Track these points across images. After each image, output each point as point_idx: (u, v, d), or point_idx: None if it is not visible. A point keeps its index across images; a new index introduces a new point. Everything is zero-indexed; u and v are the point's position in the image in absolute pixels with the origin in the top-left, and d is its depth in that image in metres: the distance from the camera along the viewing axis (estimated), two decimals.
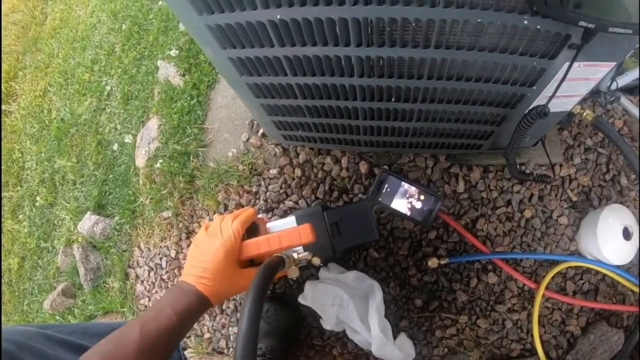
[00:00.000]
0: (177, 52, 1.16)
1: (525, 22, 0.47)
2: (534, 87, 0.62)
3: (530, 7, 0.43)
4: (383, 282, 0.90)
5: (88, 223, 1.34)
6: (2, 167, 1.91)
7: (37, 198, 1.64)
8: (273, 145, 0.94)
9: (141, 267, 1.19)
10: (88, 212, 1.36)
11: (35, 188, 1.68)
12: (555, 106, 0.71)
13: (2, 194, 1.87)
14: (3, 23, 2.18)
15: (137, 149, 1.18)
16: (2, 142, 1.94)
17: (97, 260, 1.39)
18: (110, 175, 1.32)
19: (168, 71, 1.16)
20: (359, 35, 0.52)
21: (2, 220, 1.79)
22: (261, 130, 0.96)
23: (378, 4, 0.45)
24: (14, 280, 1.70)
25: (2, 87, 2.01)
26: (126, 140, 1.24)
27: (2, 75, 2.03)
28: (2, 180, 1.89)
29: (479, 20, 0.47)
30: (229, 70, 0.65)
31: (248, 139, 0.98)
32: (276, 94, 0.71)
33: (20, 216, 1.73)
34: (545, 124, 0.80)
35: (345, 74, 0.62)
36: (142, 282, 1.19)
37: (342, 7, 0.46)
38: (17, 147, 1.85)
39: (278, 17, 0.49)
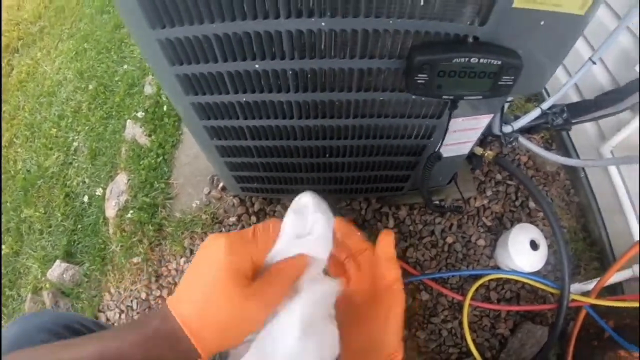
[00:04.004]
0: (143, 114, 1.31)
1: (413, 97, 0.68)
2: (431, 139, 0.83)
3: (407, 90, 0.63)
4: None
5: (57, 270, 1.42)
6: None
7: (2, 247, 1.69)
8: (231, 197, 1.11)
9: (112, 310, 1.29)
10: (57, 260, 1.45)
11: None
12: (451, 151, 0.92)
13: None
14: None
15: (107, 201, 1.31)
16: None
17: (66, 306, 1.46)
18: (79, 225, 1.43)
19: (135, 131, 1.31)
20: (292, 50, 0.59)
21: None
22: (221, 184, 1.13)
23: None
24: None
25: None
26: (97, 193, 1.37)
27: None
28: None
29: (382, 99, 0.69)
30: (175, 88, 0.68)
31: (209, 192, 1.14)
32: (220, 116, 0.76)
33: None
34: (449, 166, 1.02)
35: (285, 115, 0.74)
36: (113, 324, 1.29)
37: (278, 20, 0.52)
38: None
39: (222, 31, 0.54)
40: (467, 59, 0.55)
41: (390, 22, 0.52)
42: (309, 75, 0.64)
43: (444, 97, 0.63)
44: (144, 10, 0.52)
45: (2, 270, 1.68)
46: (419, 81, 0.59)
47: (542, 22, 0.53)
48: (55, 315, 0.63)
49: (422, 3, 0.50)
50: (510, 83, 0.60)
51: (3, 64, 2.17)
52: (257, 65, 0.61)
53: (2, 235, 1.72)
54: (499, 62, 0.56)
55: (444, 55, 0.55)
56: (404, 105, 0.72)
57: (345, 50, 0.58)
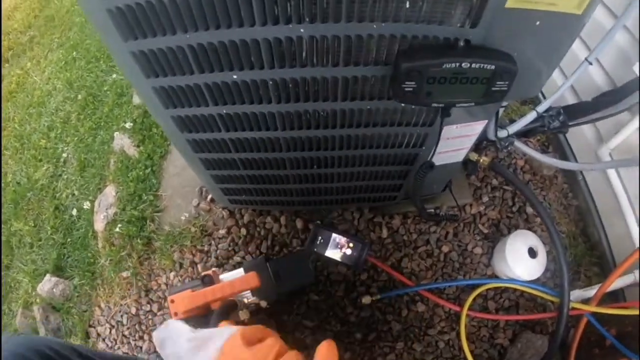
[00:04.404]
0: (131, 124, 1.30)
1: (402, 105, 0.65)
2: (423, 147, 0.81)
3: (395, 99, 0.60)
4: (325, 320, 1.04)
5: (48, 285, 1.41)
6: None
7: None
8: (221, 209, 1.09)
9: (102, 325, 1.27)
10: (47, 274, 1.43)
11: None
12: (445, 159, 0.90)
13: None
14: None
15: (96, 214, 1.29)
16: None
17: (57, 321, 1.45)
18: (69, 239, 1.41)
19: (123, 142, 1.30)
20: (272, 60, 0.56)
21: None
22: (210, 196, 1.11)
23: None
24: None
25: None
26: (84, 206, 1.35)
27: None
28: None
29: (369, 107, 0.66)
30: (153, 102, 0.67)
31: (198, 204, 1.12)
32: (201, 129, 0.75)
33: None
34: (443, 174, 1.00)
35: (269, 126, 0.72)
36: (104, 339, 1.27)
37: (254, 28, 0.50)
38: None
39: (196, 41, 0.52)
40: (458, 64, 0.52)
41: (374, 26, 0.50)
42: (290, 85, 0.61)
43: (434, 104, 0.60)
44: (115, 23, 0.50)
45: None
46: (406, 89, 0.56)
47: (537, 23, 0.51)
48: (28, 339, 0.64)
49: (407, 5, 0.48)
50: (505, 88, 0.57)
51: None
52: (235, 76, 0.59)
53: None
54: (493, 67, 0.53)
55: (433, 61, 0.52)
56: (394, 114, 0.69)
57: (328, 57, 0.55)
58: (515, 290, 1.11)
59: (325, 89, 0.62)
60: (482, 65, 0.52)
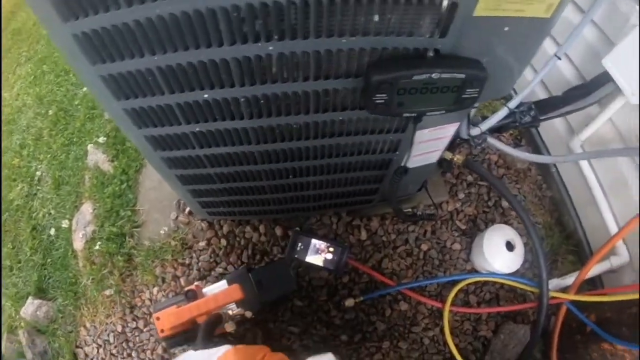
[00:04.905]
0: (104, 138, 1.30)
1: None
2: (397, 152, 0.84)
3: (366, 110, 0.62)
4: (310, 325, 1.07)
5: (31, 308, 1.40)
6: None
7: None
8: (199, 221, 1.10)
9: (89, 345, 1.27)
10: (30, 297, 1.42)
11: None
12: (419, 161, 0.93)
13: None
14: None
15: (74, 233, 1.29)
16: None
17: (43, 344, 1.44)
18: (49, 259, 1.41)
19: (97, 157, 1.30)
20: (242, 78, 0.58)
21: None
22: (188, 208, 1.12)
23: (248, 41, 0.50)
24: None
25: None
26: (62, 225, 1.35)
27: None
28: None
29: (341, 118, 0.68)
30: (125, 122, 0.68)
31: (177, 217, 1.13)
32: (175, 147, 0.76)
33: None
34: (418, 175, 1.03)
35: (242, 141, 0.74)
36: (92, 359, 1.28)
37: (222, 48, 0.51)
38: None
39: (164, 63, 0.53)
40: (428, 75, 0.53)
41: (343, 40, 0.51)
42: (262, 101, 0.63)
43: (406, 114, 0.62)
44: (82, 48, 0.51)
45: None
46: (377, 101, 0.57)
47: (506, 29, 0.52)
48: None
49: (376, 18, 0.49)
50: (476, 95, 0.59)
51: None
52: (206, 95, 0.60)
53: None
54: (463, 76, 0.55)
55: (403, 72, 0.53)
56: (366, 122, 0.71)
57: (298, 72, 0.57)
58: (495, 283, 1.15)
59: (296, 103, 0.64)
60: (452, 74, 0.54)
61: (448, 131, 0.85)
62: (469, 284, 1.14)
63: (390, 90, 0.56)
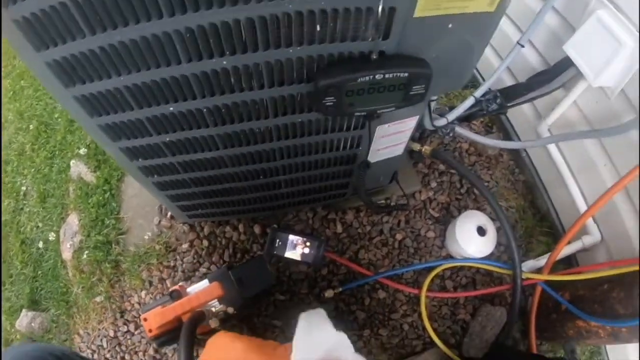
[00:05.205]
0: (85, 150, 1.35)
1: None
2: (360, 147, 0.89)
3: (318, 112, 0.68)
4: (292, 318, 1.12)
5: (25, 320, 1.45)
6: None
7: None
8: (181, 224, 1.16)
9: (84, 351, 1.32)
10: (23, 310, 1.47)
11: None
12: (385, 154, 0.97)
13: None
14: None
15: (62, 244, 1.34)
16: None
17: None
18: (39, 272, 1.45)
19: (80, 169, 1.35)
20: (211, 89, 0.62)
21: None
22: (170, 213, 1.18)
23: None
24: None
25: None
26: (50, 237, 1.40)
27: None
28: None
29: (300, 120, 0.73)
30: (100, 137, 0.72)
31: (160, 222, 1.19)
32: (149, 156, 0.81)
33: None
34: (387, 167, 1.08)
35: (211, 147, 0.79)
36: None
37: (191, 63, 0.55)
38: None
39: (131, 82, 0.58)
40: (372, 77, 0.57)
41: (291, 50, 0.55)
42: (223, 110, 0.68)
43: (357, 114, 0.67)
44: (55, 73, 0.56)
45: None
46: (327, 103, 0.62)
47: (450, 25, 0.55)
48: (31, 347, 0.72)
49: (318, 28, 0.52)
50: (423, 91, 0.63)
51: None
52: (171, 108, 0.65)
53: None
54: (406, 74, 0.58)
55: (347, 76, 0.57)
56: (325, 122, 0.76)
57: (253, 82, 0.61)
58: (470, 267, 1.20)
59: (256, 109, 0.68)
60: (395, 74, 0.58)
61: (408, 125, 0.90)
62: (445, 269, 1.20)
63: (337, 92, 0.60)
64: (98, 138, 0.74)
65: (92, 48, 0.52)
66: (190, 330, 0.84)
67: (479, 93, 1.07)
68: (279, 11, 0.49)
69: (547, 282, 1.08)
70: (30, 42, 0.51)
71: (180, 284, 1.13)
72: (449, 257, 1.23)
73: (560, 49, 0.97)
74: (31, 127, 1.64)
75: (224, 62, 0.56)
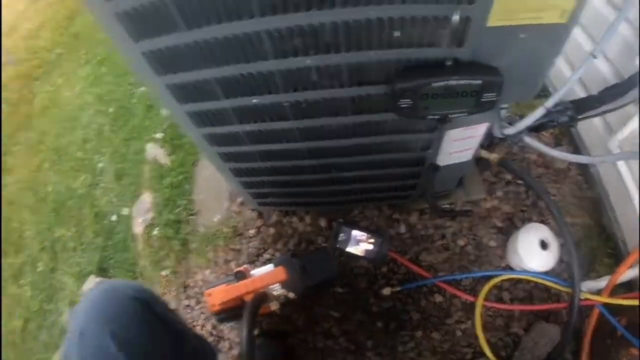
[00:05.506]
0: (162, 134, 1.45)
1: None
2: (430, 150, 0.91)
3: (394, 113, 0.69)
4: (349, 311, 1.17)
5: (92, 284, 1.58)
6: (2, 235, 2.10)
7: (39, 264, 1.85)
8: (250, 211, 1.23)
9: None
10: (92, 275, 1.59)
11: (36, 255, 1.90)
12: (453, 159, 0.99)
13: (3, 260, 2.06)
14: None
15: (134, 219, 1.45)
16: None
17: None
18: (110, 242, 1.57)
19: (155, 151, 1.45)
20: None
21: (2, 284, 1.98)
22: (240, 199, 1.25)
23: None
24: (17, 341, 1.84)
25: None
26: (123, 212, 1.51)
27: None
28: (2, 249, 2.08)
29: (375, 119, 0.77)
30: (187, 123, 0.79)
31: (229, 207, 1.26)
32: (229, 143, 0.87)
33: (22, 281, 1.92)
34: (454, 172, 1.09)
35: (289, 139, 0.84)
36: None
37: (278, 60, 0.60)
38: (15, 218, 2.08)
39: (221, 74, 0.63)
40: (446, 82, 0.61)
41: (370, 53, 0.59)
42: (303, 105, 0.72)
43: (430, 117, 0.70)
44: (149, 63, 0.63)
45: (40, 286, 1.84)
46: (402, 105, 0.66)
47: (522, 35, 0.57)
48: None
49: (396, 34, 0.57)
50: (494, 99, 0.65)
51: (25, 93, 2.37)
52: (255, 100, 0.71)
53: (38, 254, 1.89)
54: (479, 82, 0.61)
55: (423, 80, 0.61)
56: (399, 123, 0.79)
57: (334, 81, 0.66)
58: (528, 281, 1.19)
59: (334, 105, 0.73)
60: (468, 81, 0.61)
61: (478, 131, 0.91)
62: (503, 280, 1.19)
63: (413, 96, 0.64)
64: (184, 124, 0.81)
65: (187, 42, 0.58)
66: (254, 308, 0.89)
67: (550, 103, 1.05)
68: (362, 17, 0.53)
69: (606, 305, 1.06)
70: (129, 33, 0.57)
71: (244, 266, 1.19)
72: (509, 268, 1.22)
73: (634, 61, 0.94)
74: (110, 110, 1.77)
75: (308, 61, 0.61)
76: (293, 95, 0.68)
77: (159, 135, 1.46)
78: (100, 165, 1.71)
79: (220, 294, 1.01)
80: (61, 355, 0.64)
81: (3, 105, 2.42)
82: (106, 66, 2.00)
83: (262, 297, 0.98)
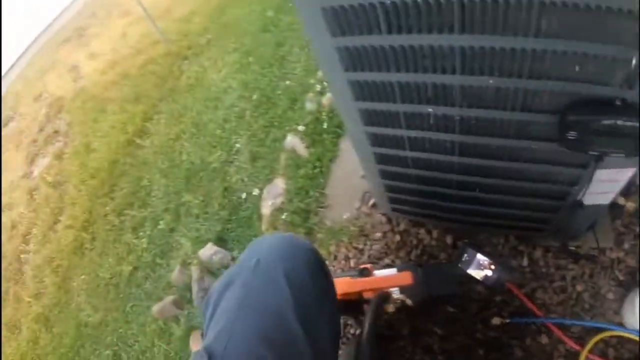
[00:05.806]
0: (303, 127, 1.60)
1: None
2: (576, 187, 0.93)
3: (558, 143, 0.74)
4: (454, 331, 1.22)
5: (208, 252, 1.76)
6: (130, 189, 2.40)
7: (160, 222, 2.10)
8: (380, 215, 1.33)
9: None
10: (209, 243, 1.78)
11: (159, 213, 2.15)
12: (592, 200, 0.99)
13: (127, 212, 2.35)
14: (142, 71, 2.83)
15: (263, 201, 1.62)
16: (133, 170, 2.45)
17: (210, 283, 1.77)
18: (234, 217, 1.76)
19: (295, 142, 1.61)
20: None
21: None
22: (372, 202, 1.36)
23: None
24: (121, 284, 2.08)
25: (138, 126, 2.59)
26: (253, 192, 1.69)
27: (139, 115, 2.60)
28: (128, 201, 2.38)
29: (533, 146, 0.81)
30: (355, 118, 0.83)
31: (360, 207, 1.38)
32: (389, 146, 0.92)
33: (140, 233, 2.18)
34: (588, 214, 1.10)
35: (447, 151, 0.89)
36: None
37: (450, 35, 0.61)
38: (147, 177, 2.37)
39: (404, 79, 0.67)
40: (614, 121, 0.64)
41: (550, 83, 0.65)
42: (473, 122, 0.79)
43: (591, 152, 0.74)
44: (340, 57, 0.71)
45: (157, 242, 2.09)
46: (569, 137, 0.70)
47: None
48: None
49: (577, 69, 0.62)
50: None
51: (174, 69, 2.70)
52: (430, 109, 0.78)
53: (162, 213, 2.14)
54: None
55: (594, 116, 0.66)
56: (554, 154, 0.83)
57: (506, 103, 0.72)
58: (637, 343, 1.17)
59: (500, 126, 0.78)
60: (635, 123, 0.64)
61: (625, 175, 0.91)
62: (613, 336, 1.18)
63: (581, 129, 0.68)
64: (350, 119, 0.88)
65: (383, 45, 0.65)
66: (379, 304, 0.98)
67: None
68: (552, 47, 0.59)
69: None
70: (328, 27, 0.63)
71: (368, 265, 1.30)
72: (621, 325, 1.21)
73: None
74: (254, 97, 1.98)
75: (490, 81, 0.67)
76: (467, 111, 0.75)
77: (300, 128, 1.61)
78: (237, 145, 1.92)
79: (342, 285, 1.08)
80: (226, 276, 0.67)
81: (151, 77, 2.79)
82: (253, 57, 2.21)
83: (387, 296, 1.07)
